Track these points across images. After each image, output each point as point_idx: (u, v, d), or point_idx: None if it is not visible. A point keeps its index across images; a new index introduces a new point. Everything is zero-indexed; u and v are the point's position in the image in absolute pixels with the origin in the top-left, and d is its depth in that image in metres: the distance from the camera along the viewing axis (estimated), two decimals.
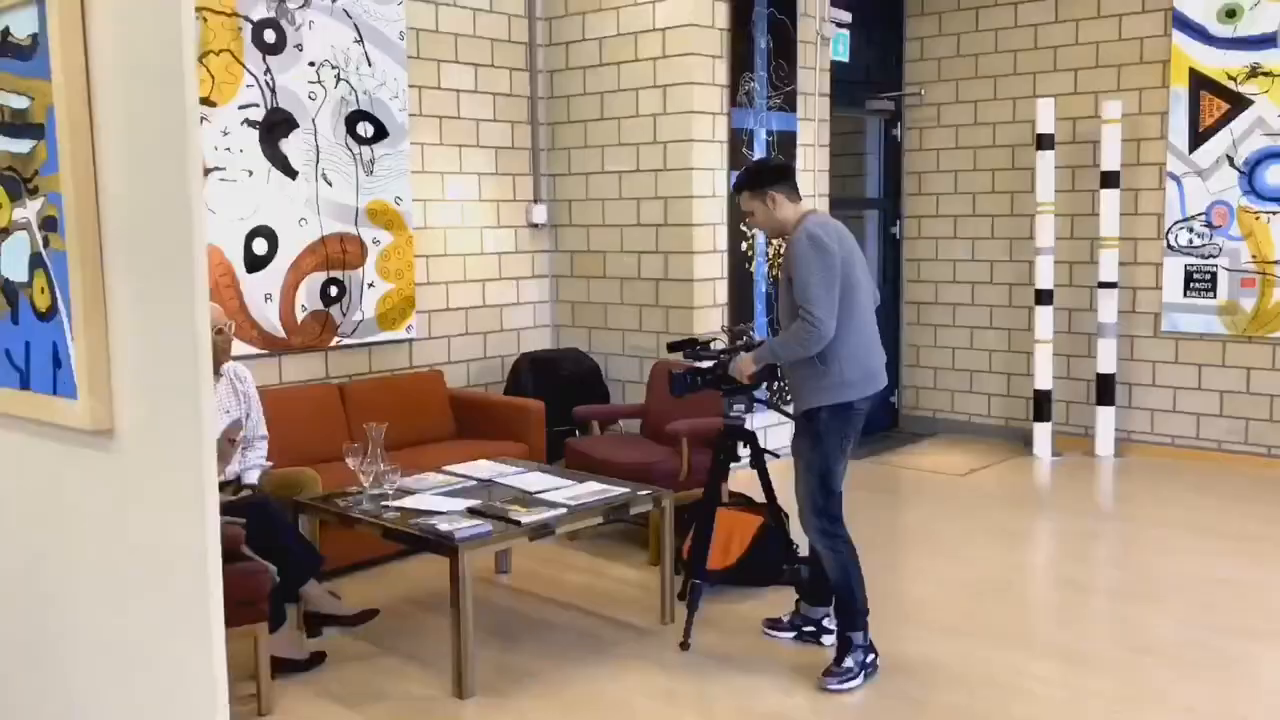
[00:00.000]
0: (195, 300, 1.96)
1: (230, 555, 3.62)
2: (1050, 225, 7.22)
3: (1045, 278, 7.28)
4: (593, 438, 5.74)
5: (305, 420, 5.45)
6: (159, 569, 2.13)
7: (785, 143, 6.88)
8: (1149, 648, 4.24)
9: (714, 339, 4.40)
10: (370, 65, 6.00)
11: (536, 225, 6.92)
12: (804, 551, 4.40)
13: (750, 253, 6.74)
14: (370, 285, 6.09)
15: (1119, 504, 6.50)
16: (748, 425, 4.43)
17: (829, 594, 4.27)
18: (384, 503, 4.23)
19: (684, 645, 4.24)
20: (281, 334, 5.74)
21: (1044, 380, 7.36)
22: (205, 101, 5.35)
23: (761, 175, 4.12)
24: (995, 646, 4.26)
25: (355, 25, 5.93)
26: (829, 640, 4.24)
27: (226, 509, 4.01)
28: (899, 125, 8.21)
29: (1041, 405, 7.38)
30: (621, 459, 5.31)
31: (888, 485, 6.82)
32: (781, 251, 4.51)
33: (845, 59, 7.42)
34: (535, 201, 6.91)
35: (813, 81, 7.04)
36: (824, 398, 3.96)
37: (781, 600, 4.53)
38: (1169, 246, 7.09)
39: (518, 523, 4.04)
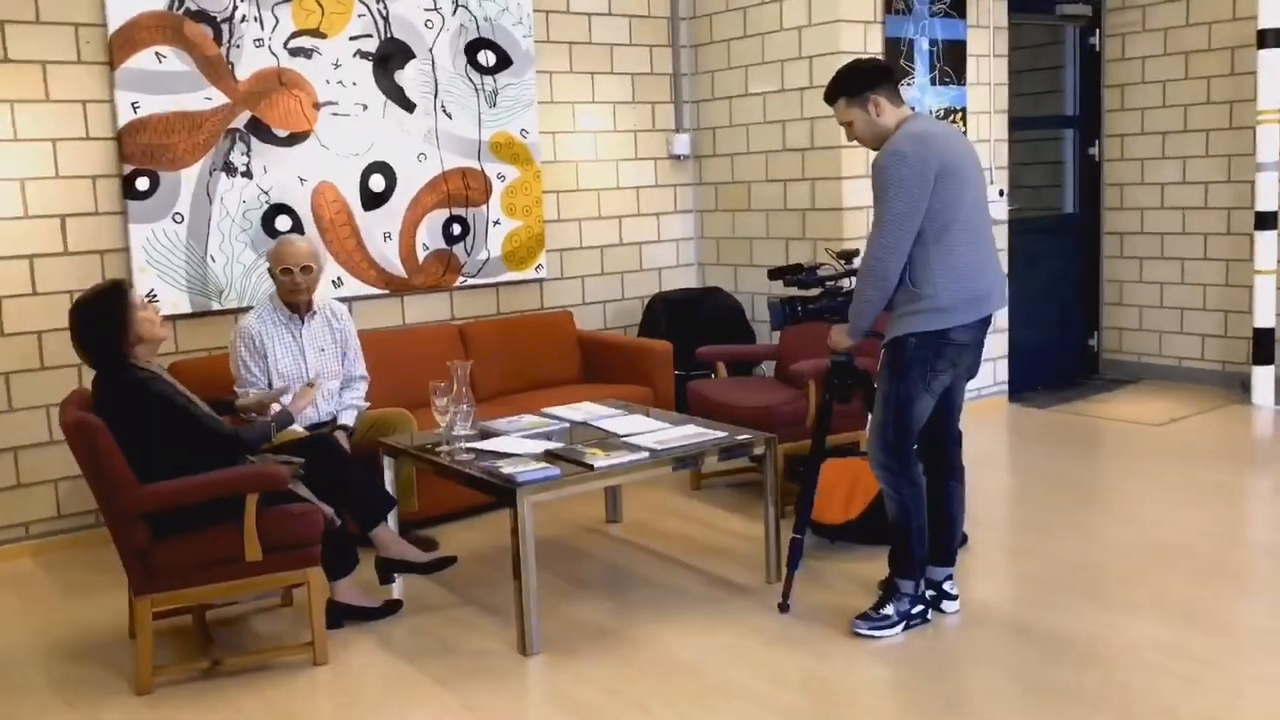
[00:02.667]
0: None
1: (278, 495, 3.45)
2: (1275, 137, 6.20)
3: (1269, 198, 6.26)
4: (717, 380, 5.31)
5: (422, 362, 5.24)
6: None
7: (953, 53, 6.16)
8: None
9: (821, 264, 3.88)
10: None
11: (678, 156, 6.49)
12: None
13: None
14: (495, 223, 5.83)
15: None
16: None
17: (952, 551, 3.74)
18: (462, 444, 3.96)
19: (782, 607, 3.79)
20: (402, 274, 5.57)
21: (1265, 317, 6.36)
22: (315, 33, 5.20)
23: (860, 77, 3.56)
24: (1150, 620, 3.60)
25: None
26: (951, 607, 3.71)
27: (284, 448, 3.85)
28: (1097, 33, 7.26)
29: (1262, 346, 6.39)
30: (741, 402, 4.86)
31: (1072, 437, 6.05)
32: None
33: None
34: (677, 131, 6.47)
35: None
36: (912, 324, 3.44)
37: None
38: None
39: (590, 467, 3.68)
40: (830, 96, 3.61)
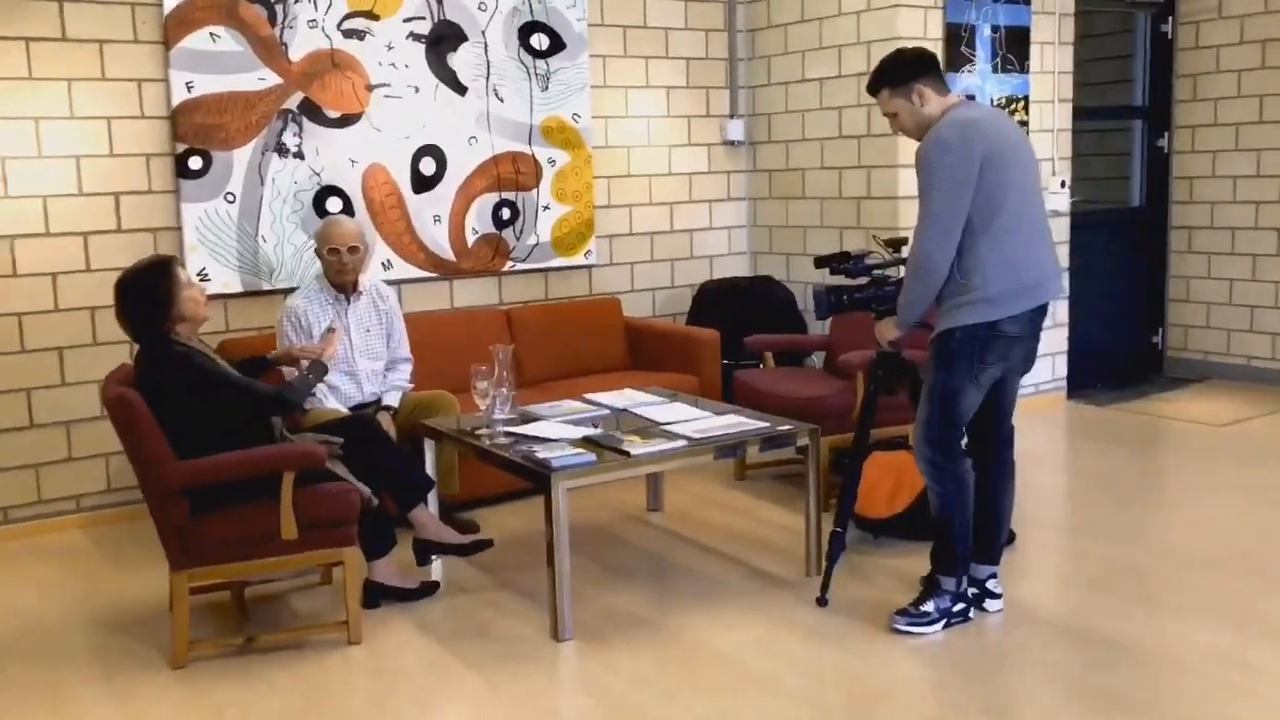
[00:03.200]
0: None
1: (315, 474, 3.46)
2: None
3: None
4: (764, 370, 5.23)
5: (468, 345, 5.22)
6: None
7: (1016, 40, 6.01)
8: None
9: (869, 253, 3.79)
10: None
11: (733, 142, 6.41)
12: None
13: None
14: (545, 208, 5.81)
15: None
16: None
17: (998, 549, 3.64)
18: (501, 428, 3.93)
19: (820, 601, 3.72)
20: (451, 257, 5.57)
21: None
22: (368, 15, 5.21)
23: (904, 67, 3.47)
24: (1202, 625, 3.47)
25: None
26: (994, 605, 3.62)
27: (324, 428, 3.86)
28: (1170, 20, 7.05)
29: None
30: (788, 393, 4.79)
31: (1130, 435, 5.89)
32: None
33: None
34: (731, 117, 6.39)
35: None
36: (960, 317, 3.34)
37: None
38: None
39: (626, 454, 3.63)
40: (873, 87, 3.53)
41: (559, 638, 3.51)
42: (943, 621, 3.48)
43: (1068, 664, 3.27)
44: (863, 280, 3.75)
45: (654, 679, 3.24)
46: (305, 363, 3.91)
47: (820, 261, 3.83)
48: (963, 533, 3.51)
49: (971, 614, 3.55)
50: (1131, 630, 3.46)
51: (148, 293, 3.41)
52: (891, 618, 3.50)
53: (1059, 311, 6.34)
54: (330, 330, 4.20)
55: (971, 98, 5.80)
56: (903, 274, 3.69)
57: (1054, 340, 6.34)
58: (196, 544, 3.36)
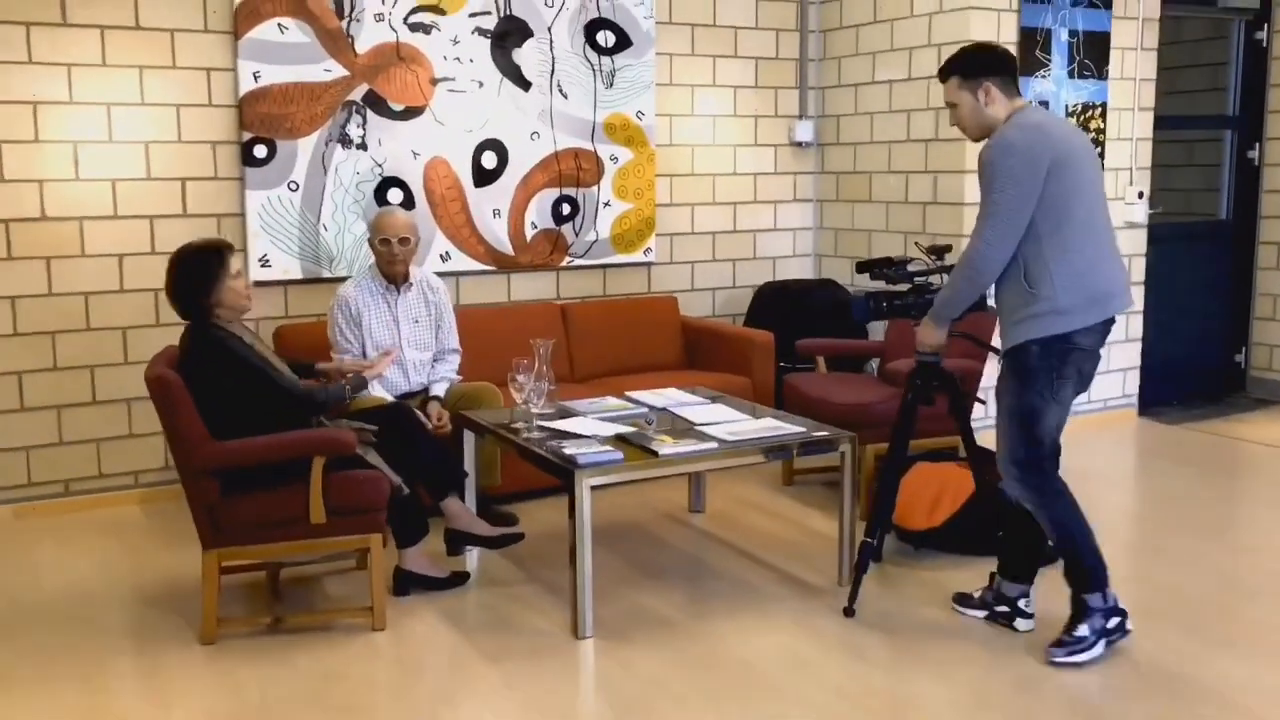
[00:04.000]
0: None
1: (344, 460, 3.51)
2: None
3: None
4: (814, 374, 5.16)
5: (521, 339, 5.22)
6: None
7: (1095, 45, 5.83)
8: None
9: (911, 259, 3.72)
10: None
11: (800, 144, 6.33)
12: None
13: None
14: (606, 204, 5.81)
15: None
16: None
17: (1031, 569, 3.55)
18: (535, 422, 3.95)
19: (848, 611, 3.66)
20: (509, 251, 5.61)
21: None
22: (434, 9, 5.27)
23: (978, 60, 3.38)
24: (1247, 658, 3.33)
25: None
26: (1024, 625, 3.52)
27: (361, 415, 3.91)
28: (1266, 27, 6.78)
29: None
30: (835, 398, 4.72)
31: (1201, 456, 5.67)
32: None
33: None
34: (800, 118, 6.32)
35: None
36: (1032, 330, 3.24)
37: (992, 570, 3.78)
38: None
39: (655, 453, 3.62)
40: (944, 73, 3.41)
41: (579, 635, 3.51)
42: (1101, 641, 3.31)
43: (1096, 691, 3.17)
44: (904, 287, 3.68)
45: (668, 681, 3.22)
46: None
47: (863, 266, 3.77)
48: (1087, 547, 3.34)
49: (1128, 625, 3.38)
50: (1169, 659, 3.33)
51: (195, 271, 3.50)
52: (1048, 651, 3.31)
53: (1131, 326, 6.14)
54: (386, 353, 4.22)
55: (1045, 104, 5.66)
56: (943, 282, 3.62)
57: (1126, 355, 6.14)
58: (227, 524, 3.44)
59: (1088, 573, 3.35)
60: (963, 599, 3.70)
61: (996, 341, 3.48)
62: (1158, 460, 5.68)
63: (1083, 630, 3.32)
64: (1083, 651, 3.29)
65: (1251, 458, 5.69)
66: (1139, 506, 5.04)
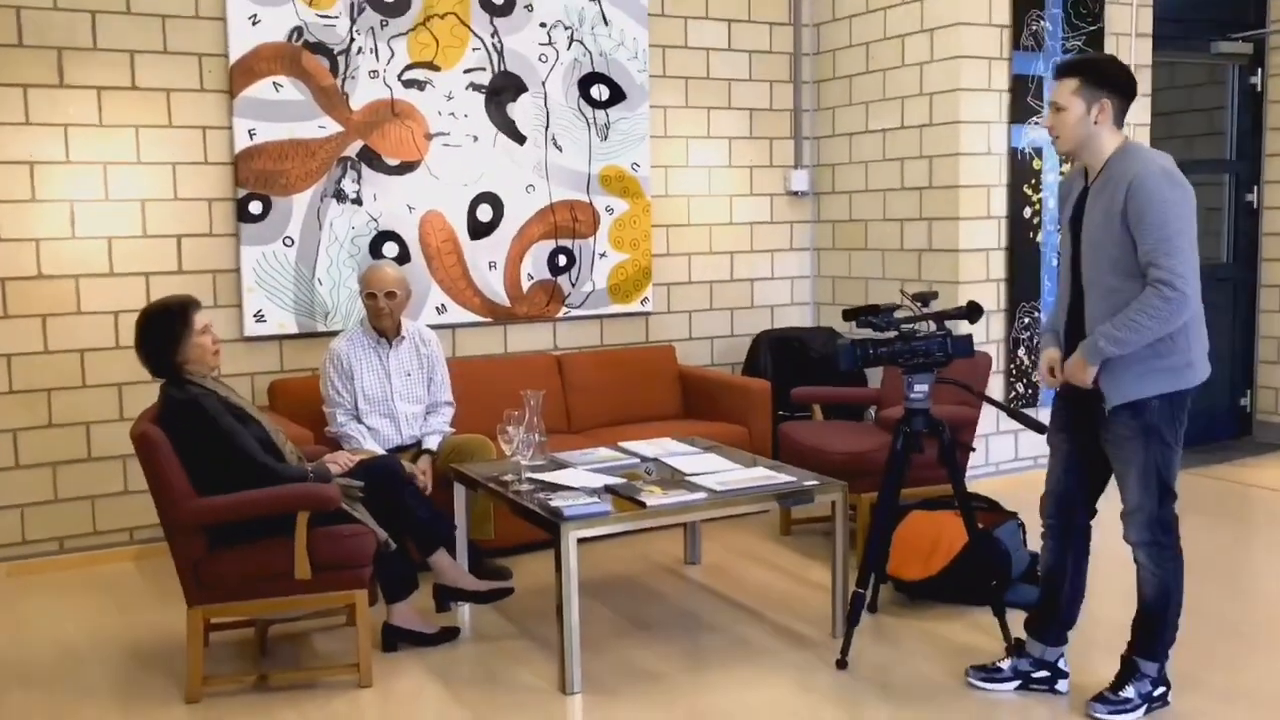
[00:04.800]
0: None
1: (330, 516, 3.49)
2: None
3: None
4: (810, 423, 5.14)
5: (515, 390, 5.25)
6: None
7: None
8: None
9: (897, 306, 3.70)
10: (607, 25, 5.73)
11: (796, 193, 6.35)
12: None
13: (1037, 220, 5.80)
14: (602, 255, 5.83)
15: None
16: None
17: (1063, 629, 3.45)
18: (524, 474, 3.93)
19: (840, 663, 3.60)
20: (506, 303, 5.62)
21: None
22: (429, 66, 5.32)
23: (1107, 71, 3.21)
24: (1251, 709, 3.26)
25: None
26: (1064, 687, 3.41)
27: (348, 469, 3.90)
28: (1259, 71, 6.79)
29: None
30: (830, 446, 4.69)
31: (1206, 502, 5.60)
32: (1062, 183, 3.54)
33: None
34: (795, 167, 6.34)
35: (1128, 19, 5.95)
36: (1161, 383, 3.14)
37: (988, 621, 3.71)
38: None
39: (642, 504, 3.59)
40: (1067, 70, 3.23)
41: (567, 690, 3.46)
42: (1144, 706, 3.24)
43: None
44: (890, 334, 3.66)
45: None
46: (335, 467, 3.84)
47: (849, 314, 3.75)
48: (1176, 617, 3.27)
49: (1170, 698, 3.30)
50: (1170, 715, 3.26)
51: (159, 330, 3.51)
52: (1089, 705, 3.25)
53: None
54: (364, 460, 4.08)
55: (1038, 151, 5.68)
56: (930, 329, 3.60)
57: None
58: (211, 580, 3.42)
59: (1162, 641, 3.28)
60: (986, 672, 3.48)
61: (998, 394, 3.42)
62: None
63: (1129, 692, 3.24)
64: (1125, 713, 3.22)
65: (1259, 503, 5.62)
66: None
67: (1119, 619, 3.45)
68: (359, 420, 4.52)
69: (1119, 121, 3.21)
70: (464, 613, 4.14)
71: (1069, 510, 3.41)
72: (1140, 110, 6.06)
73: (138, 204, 4.81)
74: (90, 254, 4.75)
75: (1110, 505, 3.37)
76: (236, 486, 3.40)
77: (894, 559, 4.16)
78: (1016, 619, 3.59)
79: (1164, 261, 3.02)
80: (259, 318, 5.05)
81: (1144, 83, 6.07)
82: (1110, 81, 3.18)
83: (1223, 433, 6.82)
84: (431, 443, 4.59)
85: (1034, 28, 5.69)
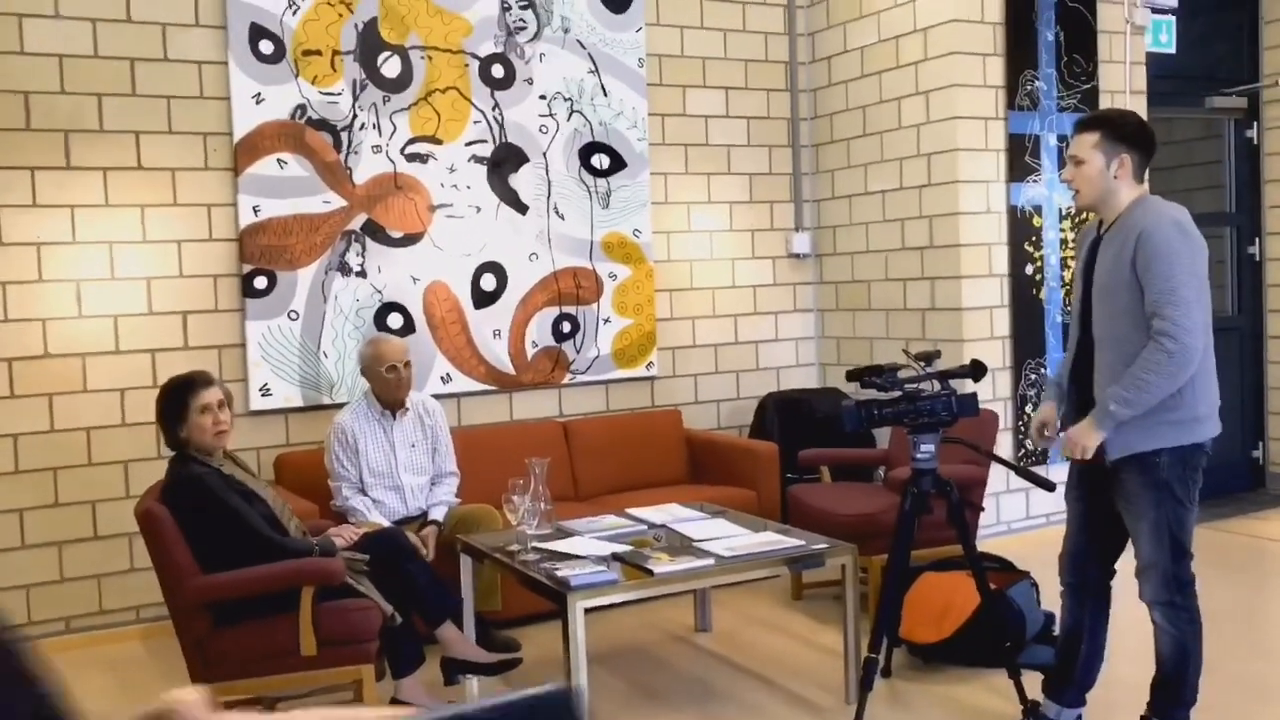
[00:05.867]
0: None
1: (335, 590, 3.47)
2: None
3: None
4: (819, 485, 5.11)
5: (521, 458, 5.23)
6: None
7: None
8: None
9: (901, 366, 3.70)
10: (606, 95, 5.81)
11: (798, 255, 6.39)
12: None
13: (1039, 276, 5.81)
14: (606, 321, 5.85)
15: None
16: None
17: (1080, 690, 3.41)
18: (530, 544, 3.90)
19: None
20: (510, 371, 5.63)
21: None
22: (431, 139, 5.39)
23: (1127, 127, 3.23)
24: None
25: (590, 55, 5.76)
26: None
27: (353, 542, 3.88)
28: (1255, 125, 6.85)
29: None
30: (838, 509, 4.66)
31: (1216, 556, 5.54)
32: (1078, 235, 3.51)
33: (1170, 49, 6.28)
34: (797, 230, 6.38)
35: (1121, 77, 6.01)
36: (1167, 437, 3.12)
37: (1004, 683, 3.66)
38: None
39: (650, 572, 3.56)
40: (1088, 125, 3.25)
41: None
42: None
43: None
44: (894, 395, 3.65)
45: None
46: (340, 541, 3.82)
47: (853, 375, 3.75)
48: (1195, 680, 3.22)
49: None
50: None
51: (164, 405, 3.56)
52: None
53: None
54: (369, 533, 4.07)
55: (1038, 209, 5.71)
56: (935, 388, 3.59)
57: None
58: (217, 658, 3.39)
59: (1181, 702, 3.23)
60: None
61: (1006, 452, 3.41)
62: None
63: None
64: None
65: (1273, 557, 5.56)
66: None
67: (1138, 679, 3.40)
68: (364, 493, 4.51)
69: (1139, 176, 3.23)
70: (472, 685, 4.09)
71: (1085, 569, 3.38)
72: None
73: (143, 282, 4.85)
74: (96, 332, 4.78)
75: (1130, 564, 3.33)
76: (242, 562, 3.39)
77: (906, 622, 4.11)
78: (1032, 681, 3.54)
79: (1168, 312, 3.02)
80: (265, 392, 5.06)
81: None
82: (1130, 136, 3.20)
83: (1235, 486, 6.77)
84: (437, 514, 4.57)
85: (1029, 88, 5.74)
